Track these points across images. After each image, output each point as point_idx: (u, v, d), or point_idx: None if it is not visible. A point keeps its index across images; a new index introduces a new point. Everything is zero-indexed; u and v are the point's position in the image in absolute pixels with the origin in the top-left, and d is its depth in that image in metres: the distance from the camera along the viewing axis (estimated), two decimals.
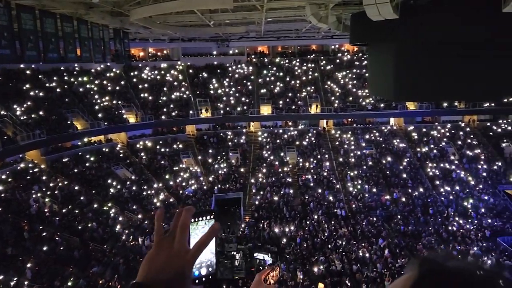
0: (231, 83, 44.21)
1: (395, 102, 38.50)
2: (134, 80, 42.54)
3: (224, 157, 38.56)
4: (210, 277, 1.36)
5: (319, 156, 38.46)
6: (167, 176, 35.28)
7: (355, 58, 46.46)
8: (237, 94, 43.16)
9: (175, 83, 43.46)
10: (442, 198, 33.27)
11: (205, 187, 34.83)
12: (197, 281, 1.31)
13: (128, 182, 33.14)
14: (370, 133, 41.39)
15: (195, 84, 44.03)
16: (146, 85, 42.35)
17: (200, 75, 44.79)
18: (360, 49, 44.74)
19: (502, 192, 34.33)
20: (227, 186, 35.06)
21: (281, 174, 36.27)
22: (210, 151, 39.18)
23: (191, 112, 40.17)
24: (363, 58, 44.81)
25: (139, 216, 29.51)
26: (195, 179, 35.57)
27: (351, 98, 42.33)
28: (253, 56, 47.35)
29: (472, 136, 40.72)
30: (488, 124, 42.00)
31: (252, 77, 45.08)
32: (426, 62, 13.38)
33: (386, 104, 40.82)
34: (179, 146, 39.50)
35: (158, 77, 43.88)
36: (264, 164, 37.52)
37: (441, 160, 37.59)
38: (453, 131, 41.39)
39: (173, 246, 1.17)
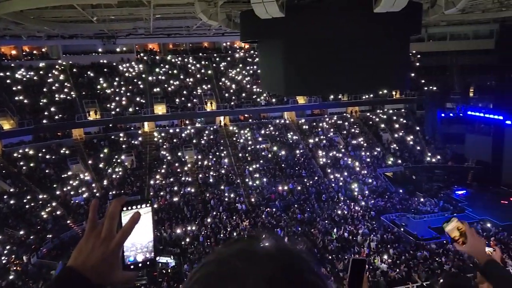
0: (121, 82, 41.98)
1: (286, 97, 40.30)
2: (8, 81, 37.98)
3: (118, 161, 36.55)
4: (148, 263, 1.37)
5: (217, 153, 38.64)
6: (53, 186, 32.28)
7: (247, 55, 47.47)
8: (128, 94, 41.19)
9: (57, 84, 39.84)
10: (333, 185, 35.89)
11: (98, 194, 32.65)
12: (132, 266, 1.34)
13: (5, 196, 29.54)
14: (265, 128, 42.79)
15: (80, 84, 40.86)
16: (21, 87, 38.10)
17: (86, 74, 41.68)
18: (252, 46, 45.85)
19: (382, 175, 38.24)
20: (123, 190, 33.33)
21: (180, 174, 35.65)
22: (102, 155, 36.82)
23: (77, 114, 37.26)
24: (255, 55, 45.99)
25: (21, 232, 26.57)
26: (86, 186, 33.15)
27: (245, 95, 43.25)
28: (143, 54, 45.52)
29: (355, 126, 44.51)
30: (368, 114, 46.28)
31: (144, 75, 43.39)
32: (311, 58, 14.13)
33: (278, 99, 42.53)
34: (65, 152, 36.36)
35: (36, 77, 39.79)
36: (163, 166, 36.49)
37: (330, 149, 40.43)
38: (339, 122, 44.78)
39: (101, 234, 1.25)
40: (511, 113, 36.02)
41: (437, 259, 23.95)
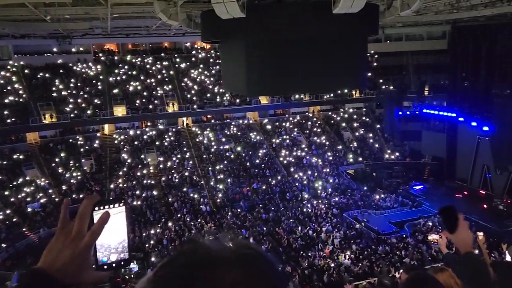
0: (78, 84, 40.54)
1: (248, 97, 40.35)
2: None
3: (76, 165, 35.28)
4: (122, 262, 1.34)
5: (180, 155, 38.13)
6: (6, 193, 30.72)
7: (208, 56, 47.12)
8: (86, 96, 39.86)
9: (8, 86, 37.92)
10: (297, 183, 36.30)
11: (56, 199, 31.40)
12: (106, 267, 1.31)
13: None
14: (228, 128, 42.65)
15: (34, 86, 39.11)
16: None
17: (39, 76, 39.93)
18: (213, 46, 45.55)
19: (344, 173, 39.08)
20: (82, 195, 32.21)
21: (142, 177, 34.90)
22: (59, 159, 35.42)
23: (32, 118, 35.66)
24: (217, 55, 45.72)
25: None
26: (42, 192, 31.79)
27: (208, 95, 42.93)
28: (101, 54, 44.19)
29: (317, 125, 45.21)
30: (330, 113, 47.13)
31: (102, 76, 42.13)
32: (273, 58, 14.19)
33: (241, 100, 42.52)
34: (19, 157, 34.70)
35: None
36: (124, 169, 35.58)
37: (293, 149, 40.85)
38: (302, 122, 45.34)
39: (71, 234, 1.22)
40: (463, 110, 37.75)
41: (397, 252, 24.71)
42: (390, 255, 24.35)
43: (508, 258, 7.77)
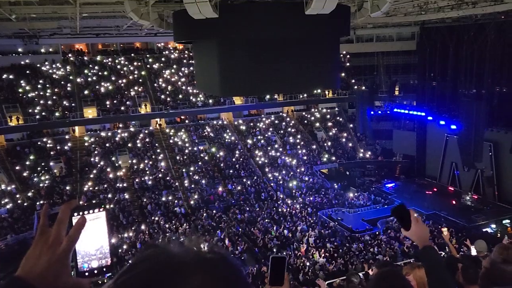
0: (46, 85, 39.35)
1: (222, 97, 40.21)
2: None
3: (45, 168, 34.24)
4: (104, 269, 1.33)
5: (153, 157, 37.59)
6: None
7: (182, 56, 46.68)
8: (54, 97, 38.75)
9: None
10: (272, 183, 36.41)
11: (25, 204, 30.37)
12: (87, 274, 1.31)
13: None
14: (202, 129, 42.37)
15: None
16: None
17: (4, 77, 38.49)
18: (186, 46, 45.16)
19: (318, 172, 39.49)
20: (51, 200, 31.27)
21: (114, 180, 34.21)
22: (27, 163, 34.29)
23: None
24: (190, 56, 45.32)
25: None
26: (9, 197, 30.67)
27: (181, 96, 42.51)
28: (70, 55, 43.04)
29: (291, 125, 45.50)
30: (303, 113, 47.53)
31: (71, 77, 41.05)
32: (246, 58, 14.19)
33: (215, 100, 42.31)
34: None
35: None
36: (94, 171, 34.79)
37: (268, 149, 40.97)
38: (276, 122, 45.52)
39: (49, 240, 1.19)
40: (432, 109, 38.81)
41: (371, 250, 25.14)
42: (363, 252, 24.75)
43: (473, 252, 8.00)
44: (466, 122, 32.62)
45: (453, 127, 35.89)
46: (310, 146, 42.51)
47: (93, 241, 1.31)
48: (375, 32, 45.06)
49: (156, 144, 39.39)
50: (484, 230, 28.37)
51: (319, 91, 42.15)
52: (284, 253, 24.74)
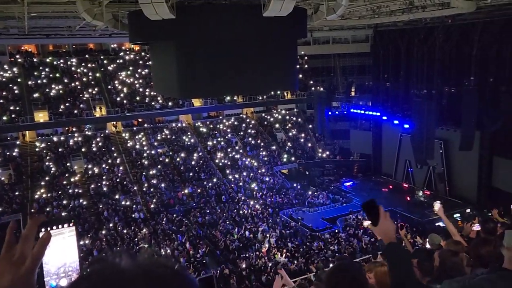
0: None
1: (181, 99, 39.68)
2: None
3: None
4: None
5: (110, 161, 36.47)
6: None
7: (138, 57, 45.61)
8: (1, 101, 36.72)
9: None
10: (232, 185, 36.31)
11: None
12: None
13: None
14: (161, 132, 41.61)
15: None
16: None
17: None
18: (143, 47, 44.18)
19: (278, 173, 39.82)
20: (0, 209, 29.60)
21: (68, 186, 32.87)
22: None
23: None
24: (147, 57, 44.38)
25: None
26: None
27: (138, 98, 41.52)
28: (18, 56, 40.94)
29: (251, 126, 45.62)
30: (263, 114, 47.79)
31: (20, 79, 39.07)
32: (205, 60, 14.04)
33: (173, 103, 41.66)
34: None
35: None
36: (47, 178, 33.26)
37: (228, 151, 40.83)
38: (236, 123, 45.46)
39: (13, 258, 1.15)
40: (387, 109, 40.15)
41: (331, 247, 25.63)
42: (324, 251, 25.19)
43: (427, 246, 8.31)
44: (418, 121, 33.97)
45: (406, 126, 37.28)
46: (270, 147, 42.80)
47: (63, 258, 1.22)
48: (331, 35, 46.05)
49: (113, 148, 38.27)
50: (436, 224, 29.62)
51: (278, 92, 42.51)
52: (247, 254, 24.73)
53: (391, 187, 38.91)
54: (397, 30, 38.57)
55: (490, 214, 9.89)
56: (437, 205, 6.57)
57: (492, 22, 29.77)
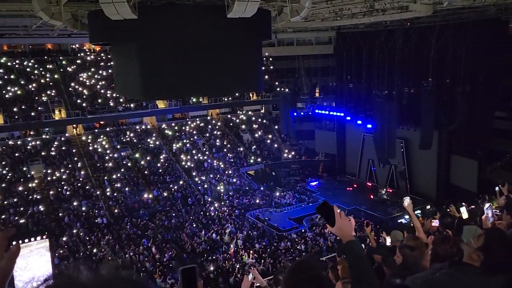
0: None
1: (144, 101, 38.93)
2: None
3: None
4: None
5: (70, 165, 35.27)
6: None
7: (99, 58, 44.36)
8: None
9: None
10: (199, 187, 35.98)
11: None
12: None
13: None
14: (124, 135, 40.66)
15: None
16: None
17: None
18: (104, 48, 43.01)
19: (245, 174, 39.82)
20: None
21: (26, 192, 31.51)
22: None
23: None
24: (108, 58, 43.23)
25: None
26: None
27: (100, 100, 40.38)
28: None
29: (217, 127, 45.38)
30: (229, 116, 47.66)
31: None
32: (168, 61, 13.83)
33: (137, 104, 40.81)
34: None
35: None
36: (3, 184, 31.74)
37: (194, 153, 40.41)
38: (201, 125, 45.08)
39: None
40: (350, 110, 41.00)
41: (297, 247, 25.87)
42: (291, 250, 25.39)
43: (388, 242, 8.53)
44: (380, 122, 34.90)
45: (369, 126, 38.20)
46: (237, 148, 42.73)
47: (37, 270, 1.14)
48: (296, 36, 46.55)
49: (74, 151, 37.04)
50: (399, 221, 30.57)
51: (244, 93, 42.53)
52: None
53: (355, 186, 39.77)
54: (359, 33, 39.51)
55: (448, 210, 10.28)
56: (406, 201, 6.79)
57: (447, 25, 31.04)
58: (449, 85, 32.87)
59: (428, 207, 31.78)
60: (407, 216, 31.58)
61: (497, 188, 8.71)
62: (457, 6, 22.21)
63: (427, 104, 32.15)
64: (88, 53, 44.25)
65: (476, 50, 30.87)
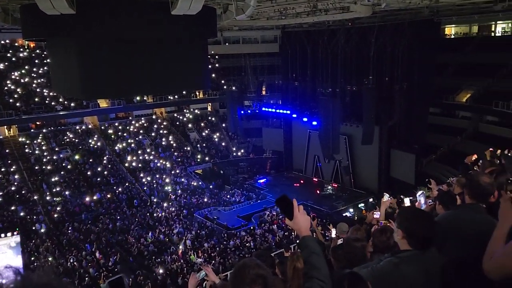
0: None
1: (84, 100, 37.23)
2: None
3: None
4: None
5: (4, 169, 32.99)
6: None
7: (34, 55, 41.75)
8: None
9: None
10: (145, 188, 35.06)
11: None
12: None
13: None
14: (63, 135, 38.67)
15: None
16: None
17: None
18: (39, 44, 40.55)
19: (193, 173, 39.37)
20: None
21: None
22: None
23: None
24: (45, 55, 40.82)
25: None
26: None
27: (37, 99, 38.07)
28: None
29: (163, 126, 44.43)
30: (175, 114, 46.83)
31: None
32: (110, 58, 13.28)
33: (77, 103, 38.95)
34: None
35: None
36: None
37: (139, 153, 39.28)
38: (146, 124, 43.91)
39: None
40: (296, 107, 41.80)
41: (247, 244, 26.00)
42: (240, 248, 25.47)
43: (333, 234, 8.77)
44: (324, 119, 35.89)
45: (314, 123, 39.18)
46: (183, 147, 42.11)
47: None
48: (241, 34, 46.66)
49: (7, 152, 34.68)
50: (344, 214, 31.69)
51: (190, 92, 41.95)
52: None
53: (302, 181, 40.65)
54: (303, 32, 40.35)
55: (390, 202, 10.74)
56: (385, 197, 7.00)
57: (386, 26, 32.53)
58: (388, 83, 34.45)
59: (371, 200, 33.19)
60: (351, 210, 32.85)
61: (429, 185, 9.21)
62: (394, 7, 23.31)
63: (368, 101, 33.52)
64: (21, 49, 41.50)
65: (412, 49, 32.67)
